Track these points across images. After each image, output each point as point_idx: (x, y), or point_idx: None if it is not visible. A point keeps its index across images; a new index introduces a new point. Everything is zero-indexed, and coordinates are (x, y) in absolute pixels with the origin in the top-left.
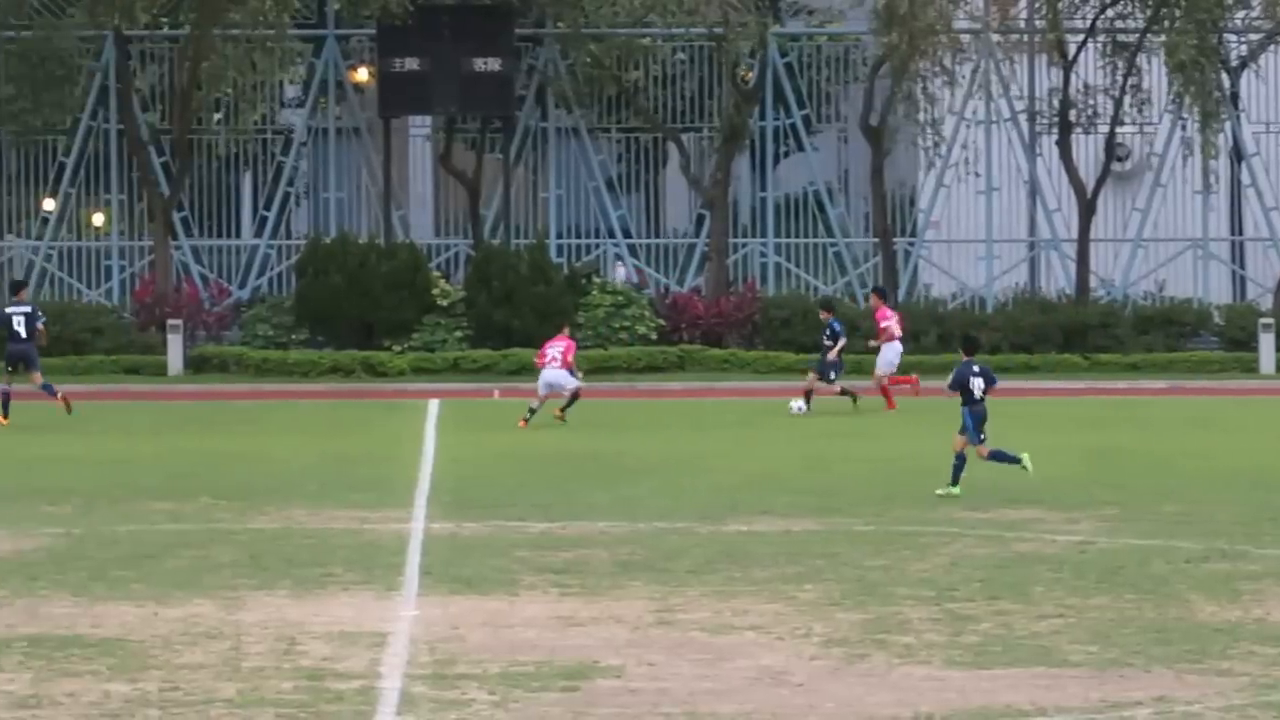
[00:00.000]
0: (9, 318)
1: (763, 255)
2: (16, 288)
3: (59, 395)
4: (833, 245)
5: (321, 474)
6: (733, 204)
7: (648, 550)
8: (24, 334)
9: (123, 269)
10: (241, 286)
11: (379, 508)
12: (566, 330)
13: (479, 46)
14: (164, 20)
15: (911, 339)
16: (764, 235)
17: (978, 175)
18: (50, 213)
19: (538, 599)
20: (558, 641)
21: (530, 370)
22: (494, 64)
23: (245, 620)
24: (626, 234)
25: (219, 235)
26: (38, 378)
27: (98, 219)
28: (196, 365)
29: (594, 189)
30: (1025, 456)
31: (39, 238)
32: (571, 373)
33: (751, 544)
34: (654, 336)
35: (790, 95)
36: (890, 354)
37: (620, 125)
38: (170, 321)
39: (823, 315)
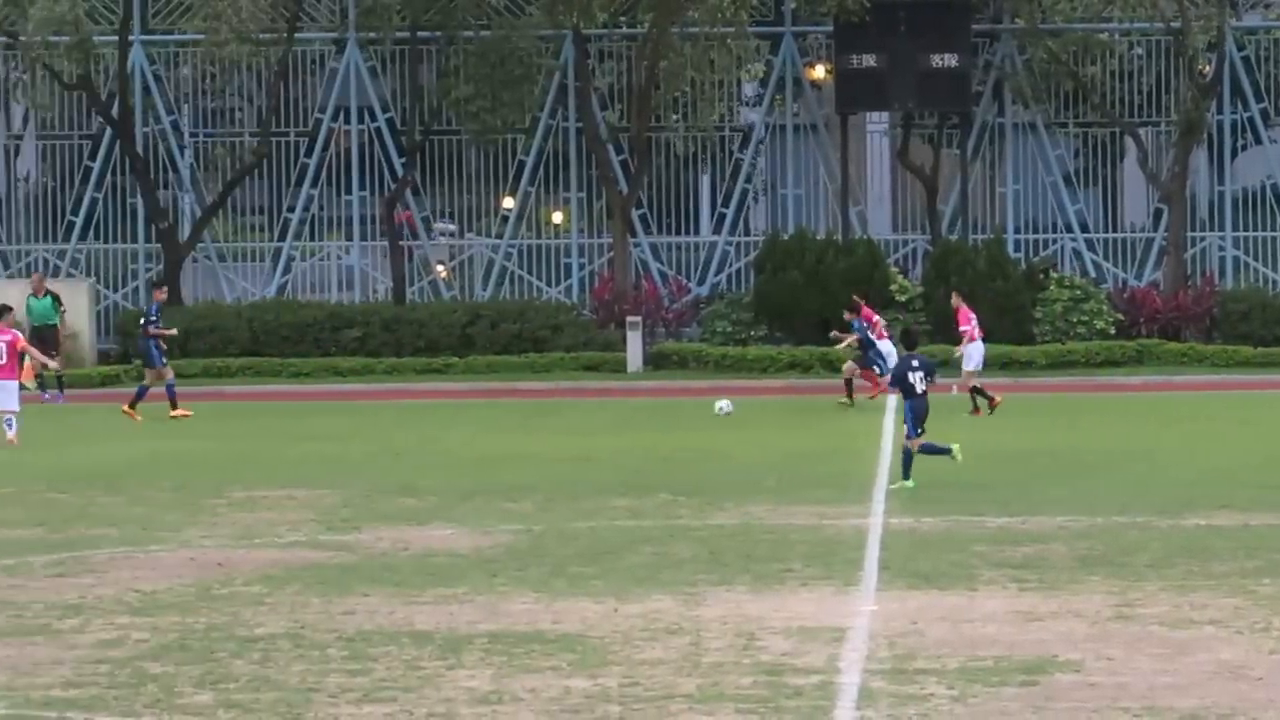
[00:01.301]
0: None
1: (1221, 249)
2: (156, 286)
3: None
4: None
5: (780, 470)
6: (1190, 198)
7: (1106, 545)
8: (142, 329)
9: (582, 266)
10: (700, 283)
11: (837, 503)
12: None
13: (936, 42)
14: (622, 19)
15: None
16: (1222, 229)
17: None
18: (510, 211)
19: (996, 594)
20: (1016, 636)
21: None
22: (951, 60)
23: (705, 616)
24: (1084, 229)
25: (677, 232)
26: (165, 374)
27: (557, 217)
28: (656, 362)
29: (1051, 184)
30: (955, 447)
31: (499, 236)
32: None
33: (1210, 538)
34: (1112, 331)
35: (1248, 89)
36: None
37: (1077, 120)
38: (629, 318)
39: (847, 315)
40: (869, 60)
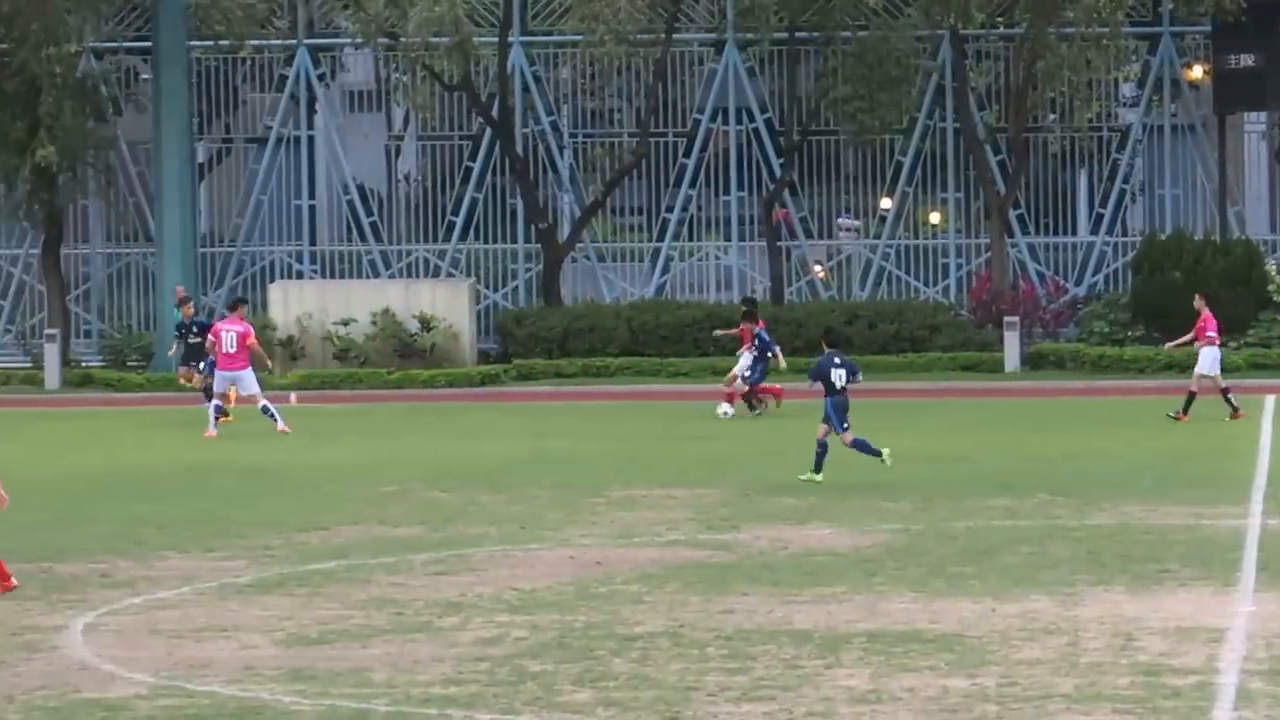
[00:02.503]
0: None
1: None
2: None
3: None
4: None
5: (1157, 470)
6: None
7: None
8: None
9: (959, 266)
10: (1078, 283)
11: (1215, 503)
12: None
13: None
14: (999, 19)
15: None
16: None
17: None
18: (888, 211)
19: None
20: None
21: None
22: None
23: (1082, 616)
24: None
25: (1055, 232)
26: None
27: (934, 217)
28: (1033, 362)
29: None
30: (886, 452)
31: (877, 236)
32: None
33: None
34: None
35: None
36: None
37: None
38: (1007, 319)
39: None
40: (1247, 60)
